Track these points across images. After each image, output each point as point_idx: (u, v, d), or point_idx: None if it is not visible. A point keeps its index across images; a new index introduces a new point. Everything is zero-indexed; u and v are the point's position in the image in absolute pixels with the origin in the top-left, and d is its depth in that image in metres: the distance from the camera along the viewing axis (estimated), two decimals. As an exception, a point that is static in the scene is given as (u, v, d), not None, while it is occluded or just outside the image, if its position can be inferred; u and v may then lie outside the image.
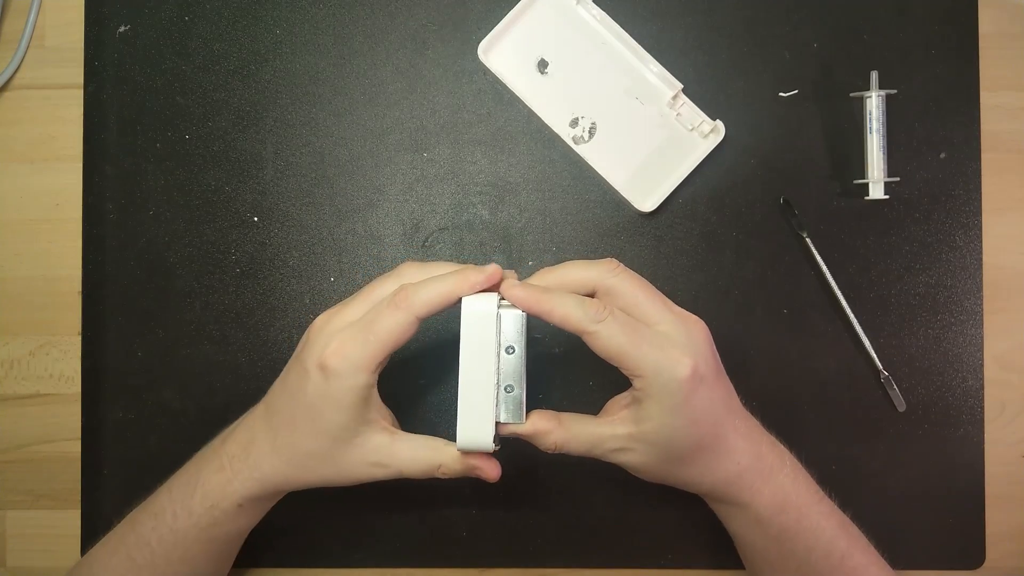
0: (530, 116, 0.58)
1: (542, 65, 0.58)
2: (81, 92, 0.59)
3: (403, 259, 0.58)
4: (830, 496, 0.50)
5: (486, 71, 0.57)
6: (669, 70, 0.57)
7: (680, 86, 0.57)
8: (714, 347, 0.47)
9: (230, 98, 0.58)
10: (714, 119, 0.56)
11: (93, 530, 0.57)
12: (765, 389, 0.57)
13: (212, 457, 0.49)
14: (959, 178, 0.57)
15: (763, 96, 0.58)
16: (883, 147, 0.56)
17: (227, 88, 0.58)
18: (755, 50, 0.58)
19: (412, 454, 0.47)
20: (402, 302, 0.45)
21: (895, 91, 0.56)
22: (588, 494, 0.57)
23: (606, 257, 0.47)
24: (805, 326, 0.57)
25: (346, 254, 0.58)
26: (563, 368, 0.57)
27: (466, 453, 0.47)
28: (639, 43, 0.57)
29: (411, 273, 0.47)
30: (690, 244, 0.57)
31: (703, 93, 0.57)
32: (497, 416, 0.46)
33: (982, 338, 0.57)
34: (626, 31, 0.57)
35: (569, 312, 0.44)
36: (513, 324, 0.46)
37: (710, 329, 0.47)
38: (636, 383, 0.45)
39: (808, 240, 0.56)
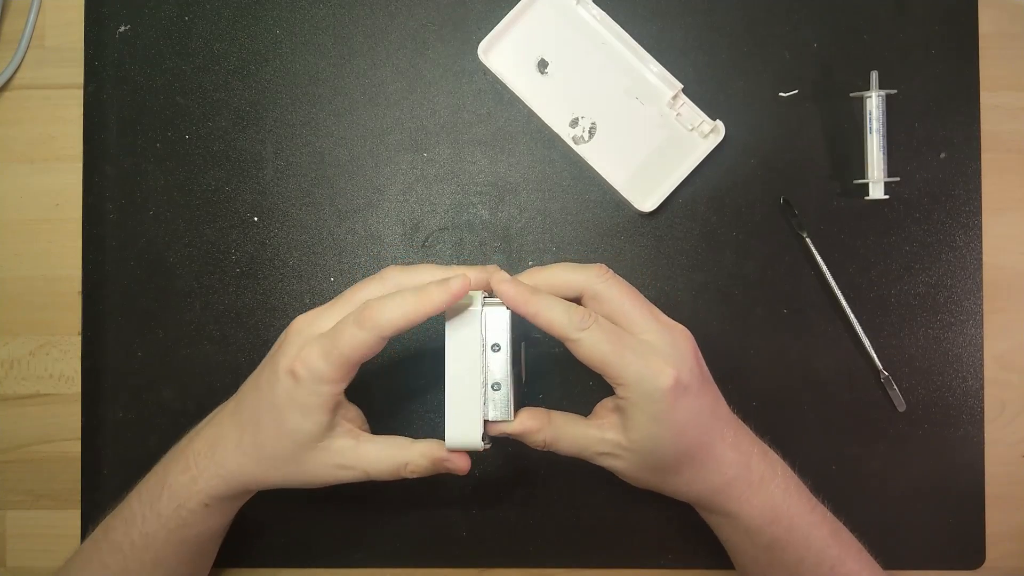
0: (530, 116, 0.58)
1: (542, 65, 0.58)
2: (81, 92, 0.59)
3: (403, 259, 0.58)
4: (826, 500, 0.50)
5: (486, 71, 0.57)
6: (669, 70, 0.57)
7: (680, 86, 0.57)
8: (700, 357, 0.47)
9: (230, 98, 0.58)
10: (714, 119, 0.56)
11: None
12: (765, 389, 0.57)
13: (179, 457, 0.48)
14: (959, 178, 0.57)
15: (763, 96, 0.58)
16: (883, 147, 0.56)
17: (227, 88, 0.58)
18: (755, 50, 0.58)
19: (377, 455, 0.47)
20: (366, 321, 0.44)
21: (895, 91, 0.56)
22: (588, 494, 0.57)
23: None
24: (805, 326, 0.57)
25: (346, 254, 0.58)
26: (563, 368, 0.57)
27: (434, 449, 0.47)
28: (639, 43, 0.57)
29: (395, 277, 0.47)
30: (690, 244, 0.57)
31: (703, 93, 0.57)
32: (484, 414, 0.46)
33: (982, 338, 0.57)
34: (626, 31, 0.57)
35: (554, 317, 0.44)
36: (498, 322, 0.46)
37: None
38: (619, 391, 0.45)
39: (808, 240, 0.56)
